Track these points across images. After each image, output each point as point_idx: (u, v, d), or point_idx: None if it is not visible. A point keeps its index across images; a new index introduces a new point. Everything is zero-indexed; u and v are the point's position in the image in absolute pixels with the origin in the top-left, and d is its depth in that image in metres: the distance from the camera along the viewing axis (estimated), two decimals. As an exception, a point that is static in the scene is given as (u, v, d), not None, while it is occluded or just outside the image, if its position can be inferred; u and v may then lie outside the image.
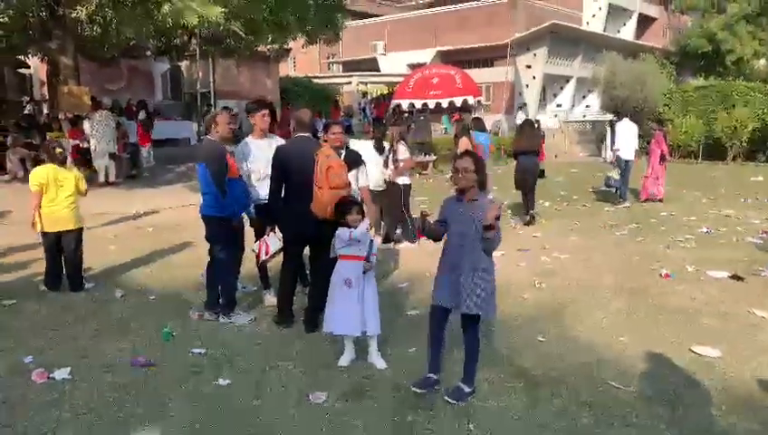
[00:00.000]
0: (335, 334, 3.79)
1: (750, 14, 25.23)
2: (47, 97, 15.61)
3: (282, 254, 4.46)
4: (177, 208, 9.69)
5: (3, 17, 10.97)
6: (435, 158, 15.66)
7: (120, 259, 6.42)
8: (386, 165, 6.84)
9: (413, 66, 25.40)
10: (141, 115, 14.51)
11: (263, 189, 4.70)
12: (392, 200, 6.88)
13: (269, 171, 4.44)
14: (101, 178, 11.61)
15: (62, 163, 5.26)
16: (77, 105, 11.92)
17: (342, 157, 4.58)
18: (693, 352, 3.97)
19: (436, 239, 3.45)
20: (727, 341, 4.13)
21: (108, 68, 16.94)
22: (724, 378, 3.58)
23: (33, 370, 3.66)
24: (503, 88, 22.91)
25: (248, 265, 5.81)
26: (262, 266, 4.94)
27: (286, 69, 29.97)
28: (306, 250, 4.54)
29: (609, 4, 32.01)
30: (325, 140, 4.71)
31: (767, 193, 11.59)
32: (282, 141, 4.92)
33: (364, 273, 3.65)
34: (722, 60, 25.51)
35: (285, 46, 16.50)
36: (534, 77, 26.41)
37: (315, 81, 24.83)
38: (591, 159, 20.68)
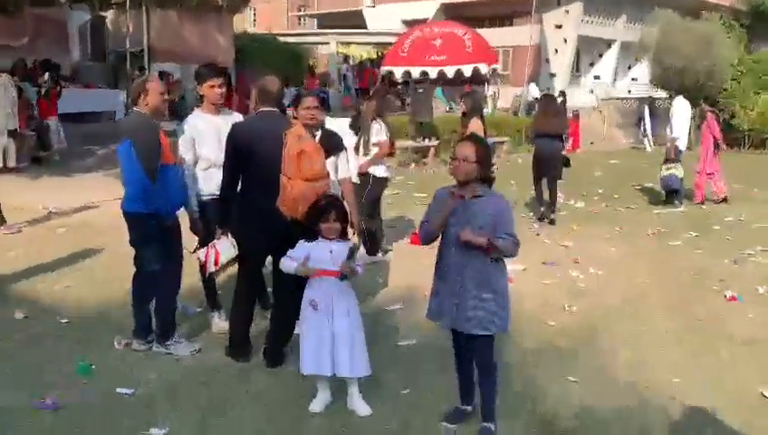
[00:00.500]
0: (304, 374, 3.80)
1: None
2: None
3: (236, 265, 4.46)
4: (99, 203, 9.63)
5: None
6: (437, 142, 15.75)
7: (22, 269, 6.37)
8: (357, 150, 6.73)
9: (409, 23, 25.52)
10: (44, 78, 14.28)
11: (213, 181, 4.68)
12: (365, 197, 6.65)
13: (221, 158, 4.42)
14: (-2, 163, 11.52)
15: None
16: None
17: (318, 139, 4.59)
18: (766, 396, 4.04)
19: (430, 243, 3.59)
20: (809, 383, 4.21)
21: (7, 18, 16.76)
22: (804, 430, 3.65)
23: None
24: (525, 54, 23.04)
25: (191, 280, 5.78)
26: (209, 281, 4.93)
27: (244, 23, 29.91)
28: (269, 260, 4.54)
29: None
30: (295, 117, 4.72)
31: None
32: (239, 118, 4.91)
33: (342, 279, 3.63)
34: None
35: (243, -8, 16.50)
36: (566, 40, 26.64)
37: (282, 39, 24.84)
38: (637, 148, 20.95)
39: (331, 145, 4.70)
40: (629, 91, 27.27)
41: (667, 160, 10.67)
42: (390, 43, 19.37)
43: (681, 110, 11.77)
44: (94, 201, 9.64)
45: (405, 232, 8.36)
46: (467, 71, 15.13)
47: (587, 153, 18.72)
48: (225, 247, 4.36)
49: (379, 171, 6.85)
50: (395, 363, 4.43)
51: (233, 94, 16.46)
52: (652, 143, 20.57)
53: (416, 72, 15.49)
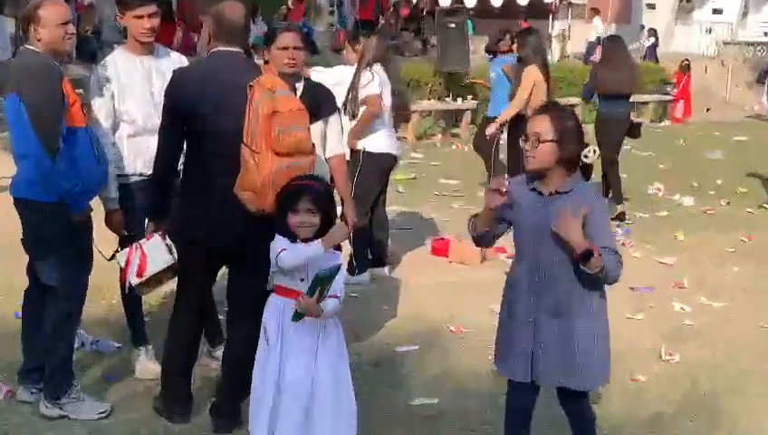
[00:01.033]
0: None
1: None
2: None
3: (174, 279, 4.48)
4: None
5: None
6: (475, 104, 15.77)
7: None
8: (344, 108, 6.59)
9: None
10: None
11: (141, 154, 4.69)
12: (354, 185, 6.45)
13: (156, 119, 4.42)
14: None
15: None
16: None
17: (299, 94, 4.59)
18: None
19: (486, 245, 3.81)
20: None
21: None
22: None
23: None
24: (610, -27, 22.99)
25: (103, 300, 5.82)
26: (132, 302, 4.96)
27: None
28: (222, 272, 4.56)
29: None
30: (266, 62, 4.72)
31: None
32: (183, 61, 4.91)
33: (295, 319, 3.62)
34: None
35: None
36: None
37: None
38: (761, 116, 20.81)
39: (318, 103, 4.72)
40: (766, 34, 27.15)
41: None
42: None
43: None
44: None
45: (424, 237, 8.38)
46: (523, -1, 15.15)
47: (701, 124, 18.69)
48: (156, 251, 4.37)
49: (372, 144, 6.76)
50: (405, 430, 4.44)
51: (174, 27, 16.50)
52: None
53: (445, -2, 15.55)
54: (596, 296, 3.59)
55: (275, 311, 3.79)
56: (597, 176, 8.50)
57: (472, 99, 15.86)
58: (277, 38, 4.63)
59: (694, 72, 20.54)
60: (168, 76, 4.38)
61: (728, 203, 10.70)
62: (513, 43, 9.47)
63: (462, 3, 15.50)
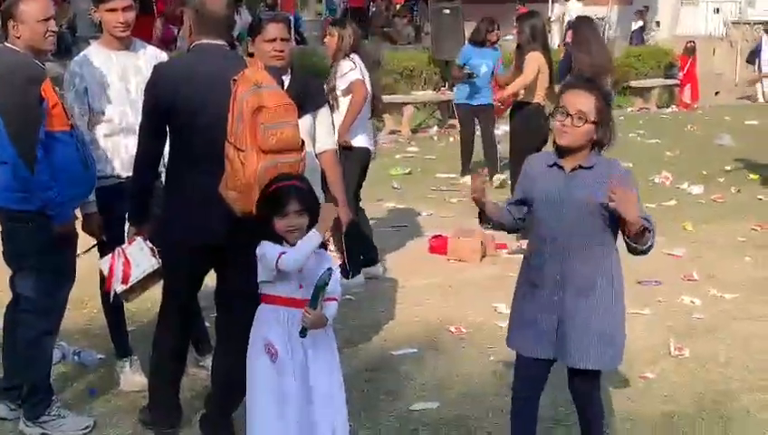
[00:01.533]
0: None
1: None
2: None
3: (159, 283, 4.49)
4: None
5: None
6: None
7: None
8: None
9: None
10: None
11: (119, 155, 4.70)
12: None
13: (133, 117, 4.44)
14: None
15: None
16: None
17: (287, 86, 4.58)
18: None
19: (510, 230, 3.93)
20: None
21: None
22: None
23: None
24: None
25: (85, 310, 5.83)
26: (115, 310, 4.96)
27: None
28: (209, 277, 4.56)
29: None
30: (251, 54, 4.70)
31: None
32: (161, 56, 4.91)
33: (303, 334, 3.61)
34: None
35: None
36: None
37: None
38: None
39: (307, 96, 4.71)
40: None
41: None
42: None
43: None
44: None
45: (421, 234, 8.40)
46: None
47: (709, 109, 18.71)
48: (140, 255, 4.36)
49: (353, 139, 6.80)
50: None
51: (153, 19, 16.47)
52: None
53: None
54: (616, 275, 3.70)
55: (277, 323, 3.73)
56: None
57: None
58: (263, 29, 4.60)
59: (701, 54, 20.53)
60: (145, 72, 4.37)
61: (738, 191, 10.68)
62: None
63: (456, -15, 15.45)
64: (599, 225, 3.59)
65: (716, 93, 20.37)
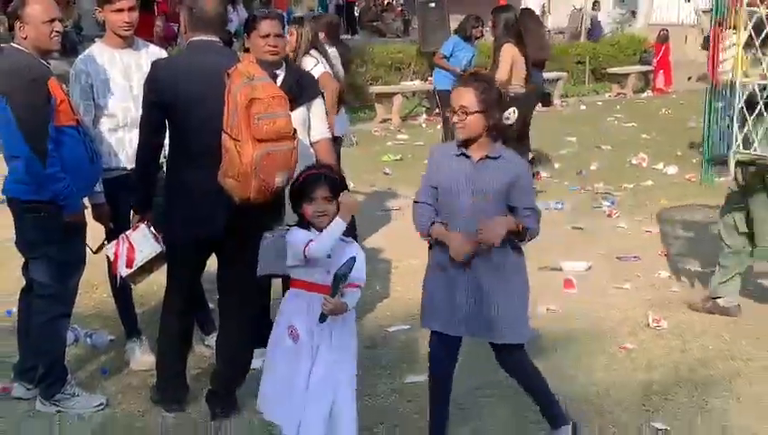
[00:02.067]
0: (268, 420, 3.86)
1: None
2: None
3: (163, 266, 4.48)
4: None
5: None
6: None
7: None
8: None
9: None
10: None
11: (123, 149, 4.70)
12: None
13: (136, 113, 4.42)
14: None
15: None
16: None
17: (281, 81, 4.57)
18: None
19: (425, 231, 3.90)
20: None
21: None
22: None
23: None
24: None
25: (95, 294, 5.82)
26: (123, 294, 4.96)
27: None
28: (211, 261, 4.56)
29: None
30: (247, 50, 4.69)
31: None
32: (161, 54, 4.90)
33: (322, 319, 3.60)
34: None
35: None
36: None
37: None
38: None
39: (301, 88, 4.71)
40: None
41: None
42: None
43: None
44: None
45: (409, 217, 8.34)
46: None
47: (683, 93, 18.69)
48: (143, 241, 4.37)
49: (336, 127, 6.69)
50: (399, 406, 4.47)
51: (153, 17, 16.40)
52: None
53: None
54: (514, 255, 3.83)
55: (302, 308, 3.71)
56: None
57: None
58: (258, 26, 4.61)
59: (674, 41, 20.54)
60: (147, 69, 4.35)
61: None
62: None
63: (441, -18, 15.43)
64: (501, 209, 3.69)
65: (689, 78, 20.32)
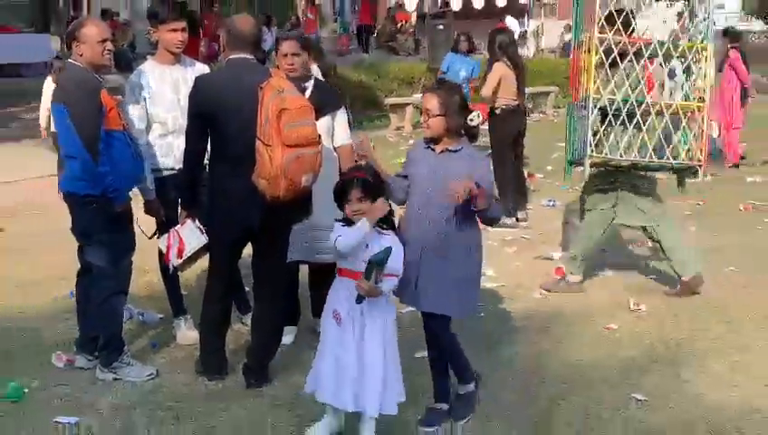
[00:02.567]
0: (318, 401, 3.84)
1: None
2: None
3: (206, 255, 4.53)
4: (22, 183, 9.70)
5: None
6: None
7: None
8: None
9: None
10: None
11: (172, 152, 4.77)
12: None
13: (183, 121, 4.49)
14: None
15: None
16: None
17: (308, 93, 4.62)
18: None
19: (400, 202, 4.00)
20: None
21: None
22: None
23: None
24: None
25: (146, 277, 5.87)
26: (172, 279, 5.02)
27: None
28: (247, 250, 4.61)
29: None
30: (277, 67, 4.74)
31: None
32: (205, 70, 4.95)
33: (359, 301, 3.62)
34: None
35: None
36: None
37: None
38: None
39: (325, 100, 4.75)
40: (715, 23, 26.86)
41: None
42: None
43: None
44: (12, 179, 9.71)
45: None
46: (501, -1, 15.10)
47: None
48: (191, 235, 4.46)
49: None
50: (410, 378, 4.51)
51: (199, 40, 16.50)
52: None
53: (434, 1, 15.50)
54: (471, 239, 3.91)
55: (343, 294, 3.73)
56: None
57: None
58: (279, 46, 4.74)
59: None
60: (192, 83, 4.42)
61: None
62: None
63: (448, 6, 15.45)
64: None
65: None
